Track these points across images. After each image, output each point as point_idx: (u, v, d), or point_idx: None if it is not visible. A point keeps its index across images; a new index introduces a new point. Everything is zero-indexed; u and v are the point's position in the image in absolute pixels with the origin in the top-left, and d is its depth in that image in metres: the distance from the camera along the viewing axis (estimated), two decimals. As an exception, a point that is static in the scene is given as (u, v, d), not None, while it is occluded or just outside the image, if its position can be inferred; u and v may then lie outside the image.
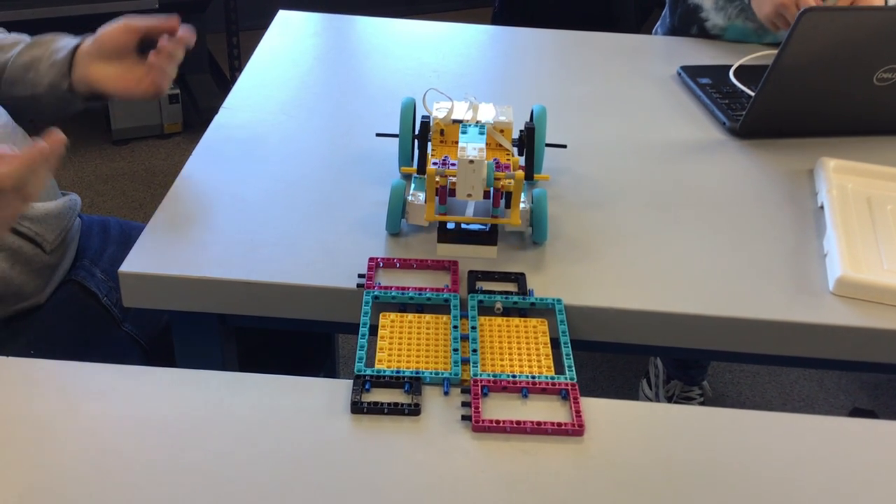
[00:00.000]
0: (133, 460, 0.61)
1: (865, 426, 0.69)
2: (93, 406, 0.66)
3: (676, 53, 1.31)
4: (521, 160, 0.92)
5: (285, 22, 1.35)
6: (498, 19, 2.04)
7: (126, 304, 0.80)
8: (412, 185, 0.87)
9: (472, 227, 0.82)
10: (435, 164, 0.80)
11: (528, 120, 0.92)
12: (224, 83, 2.67)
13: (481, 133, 0.81)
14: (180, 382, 0.68)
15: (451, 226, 0.82)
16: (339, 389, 0.68)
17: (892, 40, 1.01)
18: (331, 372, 1.44)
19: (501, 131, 0.88)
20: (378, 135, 0.97)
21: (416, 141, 0.90)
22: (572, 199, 0.94)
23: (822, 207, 0.93)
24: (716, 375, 1.83)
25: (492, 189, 0.79)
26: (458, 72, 1.23)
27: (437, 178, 0.79)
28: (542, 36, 1.37)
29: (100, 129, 2.51)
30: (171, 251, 0.82)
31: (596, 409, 0.67)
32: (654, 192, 0.97)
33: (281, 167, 0.97)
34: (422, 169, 0.86)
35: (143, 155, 2.45)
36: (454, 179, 0.78)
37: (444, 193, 0.80)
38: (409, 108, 0.91)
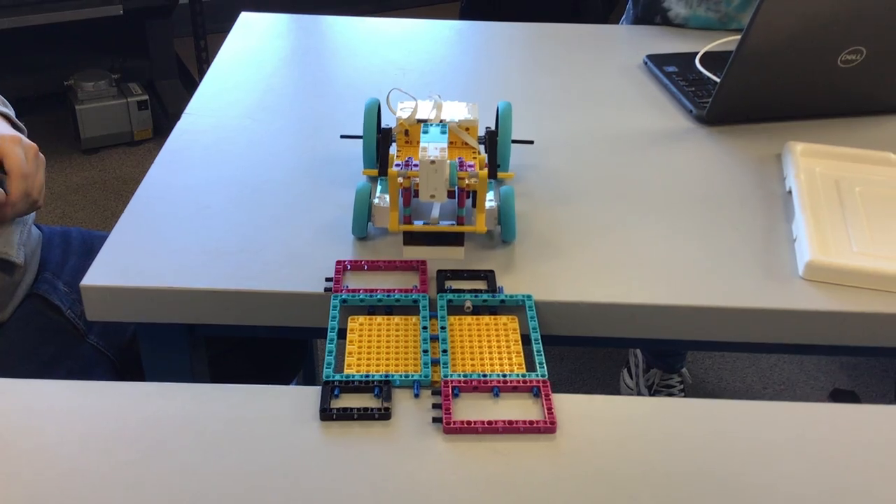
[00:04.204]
0: (98, 479, 0.60)
1: (845, 411, 0.69)
2: (56, 425, 0.64)
3: (643, 42, 1.31)
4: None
5: (248, 24, 1.33)
6: (465, 14, 2.03)
7: (90, 318, 0.79)
8: (378, 188, 0.86)
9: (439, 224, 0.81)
10: (398, 165, 0.78)
11: (494, 117, 0.91)
12: (193, 88, 2.65)
13: (443, 132, 0.80)
14: (145, 396, 0.67)
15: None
16: (308, 396, 0.67)
17: (855, 22, 1.01)
18: (309, 377, 1.43)
19: (467, 129, 0.87)
20: (342, 136, 0.97)
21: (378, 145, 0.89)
22: (541, 194, 0.93)
23: (790, 192, 0.93)
24: (695, 362, 1.84)
25: (456, 189, 0.78)
26: (424, 69, 1.22)
27: (400, 180, 0.78)
28: (509, 30, 1.37)
29: (69, 138, 2.48)
30: (134, 262, 0.80)
31: (569, 404, 0.67)
32: (622, 183, 0.96)
33: (245, 172, 0.95)
34: (384, 171, 0.85)
35: (114, 163, 2.42)
36: (418, 180, 0.77)
37: (409, 195, 0.78)
38: (372, 110, 0.89)
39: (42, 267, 0.97)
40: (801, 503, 0.60)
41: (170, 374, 0.85)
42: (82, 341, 0.95)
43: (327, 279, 0.78)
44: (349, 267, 0.79)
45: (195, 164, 0.96)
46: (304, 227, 0.86)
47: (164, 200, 0.90)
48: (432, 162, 0.74)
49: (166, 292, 0.78)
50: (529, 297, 0.76)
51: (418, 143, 0.86)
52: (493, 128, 0.89)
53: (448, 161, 0.75)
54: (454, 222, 0.80)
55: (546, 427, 0.64)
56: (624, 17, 1.48)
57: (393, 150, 0.88)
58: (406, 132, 0.88)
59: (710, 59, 1.20)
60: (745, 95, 1.07)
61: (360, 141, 0.92)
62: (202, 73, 2.61)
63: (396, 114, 0.88)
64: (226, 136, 1.02)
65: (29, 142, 0.89)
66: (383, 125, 0.90)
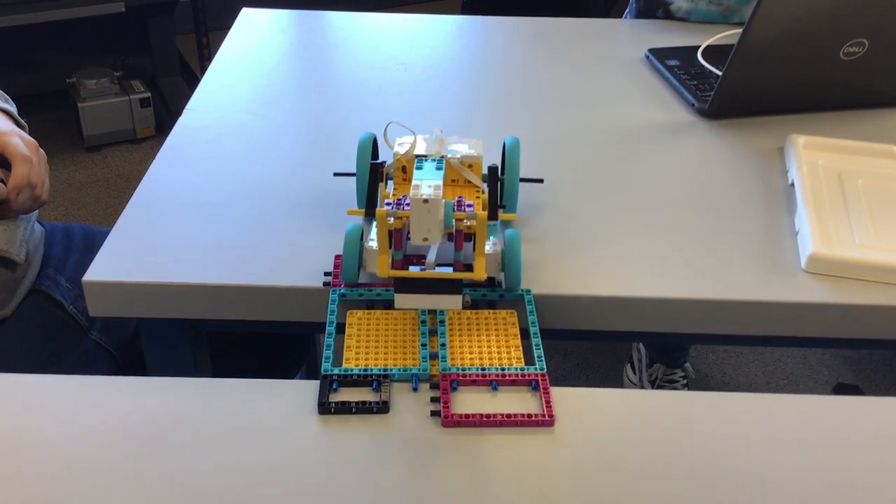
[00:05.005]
0: (99, 473, 0.60)
1: (848, 403, 0.69)
2: (56, 420, 0.64)
3: (644, 36, 1.30)
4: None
5: (249, 20, 1.33)
6: (467, 9, 2.03)
7: (92, 314, 0.79)
8: (372, 229, 0.77)
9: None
10: (388, 204, 0.69)
11: (500, 151, 0.85)
12: (195, 84, 2.65)
13: (439, 168, 0.72)
14: (146, 391, 0.67)
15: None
16: (307, 391, 0.67)
17: (857, 14, 1.00)
18: (312, 372, 1.43)
19: (470, 166, 0.80)
20: (336, 174, 0.89)
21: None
22: (541, 188, 0.93)
23: (792, 185, 0.93)
24: (699, 357, 1.83)
25: (454, 230, 0.71)
26: (426, 64, 1.22)
27: (391, 220, 0.69)
28: (511, 24, 1.36)
29: (72, 136, 2.48)
30: (136, 257, 0.81)
31: (567, 398, 0.66)
32: (624, 177, 0.96)
33: (246, 167, 0.95)
34: (372, 210, 0.76)
35: (117, 161, 2.43)
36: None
37: (401, 238, 0.70)
38: (367, 145, 0.82)
39: (44, 263, 0.97)
40: (804, 496, 0.60)
41: (172, 370, 0.85)
42: (85, 337, 0.95)
43: (326, 274, 0.78)
44: (349, 261, 0.79)
45: (196, 159, 0.96)
46: (304, 222, 0.86)
47: (165, 196, 0.90)
48: (425, 201, 0.66)
49: (168, 287, 0.78)
50: (528, 291, 0.76)
51: None
52: (493, 166, 0.80)
53: (443, 200, 0.67)
54: (451, 267, 0.71)
55: (544, 420, 0.64)
56: (627, 10, 1.47)
57: (390, 188, 0.82)
58: (403, 168, 0.81)
59: (712, 53, 1.20)
60: (748, 89, 1.06)
61: (364, 131, 0.90)
62: (204, 69, 2.61)
63: (394, 149, 0.81)
64: (227, 132, 1.02)
65: (29, 137, 0.89)
66: (381, 160, 0.83)
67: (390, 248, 0.70)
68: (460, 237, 0.70)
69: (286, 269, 0.79)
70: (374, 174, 0.79)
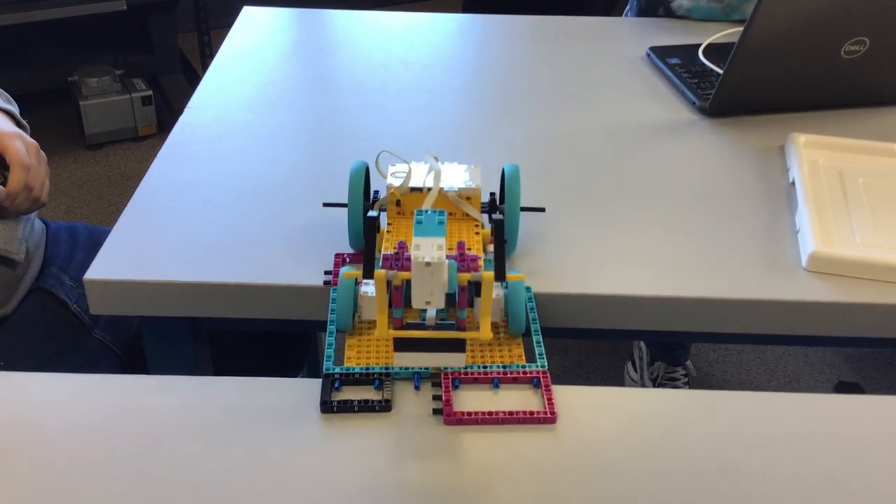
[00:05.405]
0: (101, 471, 0.60)
1: (849, 402, 0.69)
2: (58, 417, 0.64)
3: (645, 34, 1.30)
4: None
5: (250, 18, 1.33)
6: (468, 7, 2.03)
7: (93, 312, 0.79)
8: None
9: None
10: (386, 259, 0.64)
11: (498, 179, 0.80)
12: (197, 83, 2.66)
13: (441, 223, 0.64)
14: (147, 389, 0.67)
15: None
16: (310, 389, 0.67)
17: (858, 13, 1.00)
18: (315, 371, 1.43)
19: (468, 198, 0.76)
20: (325, 205, 0.83)
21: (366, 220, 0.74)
22: (542, 185, 0.93)
23: (793, 183, 0.93)
24: (700, 355, 1.84)
25: (456, 292, 0.65)
26: (427, 62, 1.22)
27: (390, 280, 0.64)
28: (512, 22, 1.36)
29: (73, 134, 2.48)
30: (137, 255, 0.81)
31: (569, 396, 0.67)
32: (625, 175, 0.96)
33: (247, 166, 0.96)
34: (369, 271, 0.70)
35: (118, 159, 2.43)
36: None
37: (400, 296, 0.64)
38: (359, 175, 0.76)
39: (48, 262, 0.97)
40: (804, 494, 0.60)
41: (173, 368, 0.85)
42: (88, 336, 0.95)
43: (326, 272, 0.78)
44: (348, 260, 0.79)
45: (198, 157, 0.97)
46: (305, 221, 0.86)
47: (166, 194, 0.90)
48: (427, 264, 0.60)
49: (169, 286, 0.78)
50: (528, 288, 0.76)
51: (412, 214, 0.76)
52: (499, 218, 0.72)
53: (446, 262, 0.61)
54: (453, 323, 0.65)
55: (546, 418, 0.64)
56: (627, 8, 1.47)
57: (383, 221, 0.77)
58: (398, 202, 0.76)
59: (714, 51, 1.20)
60: (749, 87, 1.06)
61: (367, 127, 0.90)
62: (206, 68, 2.60)
63: (387, 179, 0.77)
64: (228, 130, 1.02)
65: (30, 139, 0.89)
66: (373, 191, 0.79)
67: (390, 308, 0.64)
68: (464, 295, 0.65)
69: (287, 267, 0.79)
70: (371, 229, 0.71)
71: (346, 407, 0.64)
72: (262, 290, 0.78)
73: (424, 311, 0.65)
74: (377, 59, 1.22)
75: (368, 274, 0.69)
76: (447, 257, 0.62)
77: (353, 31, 1.34)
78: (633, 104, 1.12)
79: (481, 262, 0.66)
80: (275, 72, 1.18)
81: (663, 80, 1.17)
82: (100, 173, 2.37)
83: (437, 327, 0.63)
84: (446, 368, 0.69)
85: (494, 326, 0.72)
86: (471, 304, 0.69)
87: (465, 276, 0.64)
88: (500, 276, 0.69)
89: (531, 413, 0.64)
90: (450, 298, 0.64)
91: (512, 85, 1.16)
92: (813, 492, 0.60)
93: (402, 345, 0.64)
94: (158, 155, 0.96)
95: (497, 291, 0.71)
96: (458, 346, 0.64)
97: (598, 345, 1.87)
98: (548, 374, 0.67)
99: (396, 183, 0.76)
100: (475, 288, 0.67)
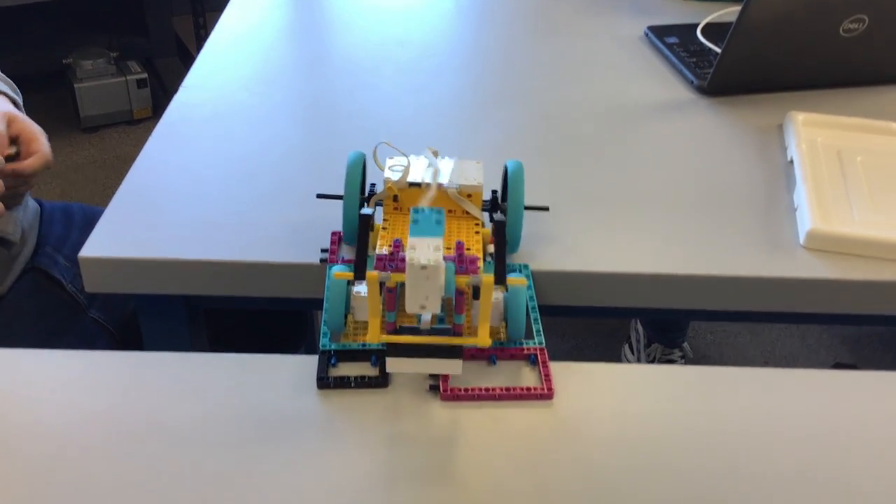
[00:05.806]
0: (97, 448, 0.60)
1: (844, 377, 0.69)
2: (53, 394, 0.64)
3: (644, 13, 1.30)
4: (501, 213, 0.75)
5: (245, -3, 1.32)
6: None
7: (88, 290, 0.79)
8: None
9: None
10: (380, 259, 0.61)
11: (501, 175, 0.77)
12: (192, 65, 2.65)
13: (438, 222, 0.61)
14: (144, 366, 0.67)
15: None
16: (306, 366, 0.67)
17: (857, -10, 1.00)
18: (311, 349, 1.43)
19: (469, 196, 0.73)
20: (319, 196, 0.80)
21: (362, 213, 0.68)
22: (539, 161, 0.93)
23: (791, 162, 0.93)
24: (697, 337, 1.84)
25: (454, 296, 0.62)
26: (423, 42, 1.21)
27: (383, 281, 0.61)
28: (509, 2, 1.35)
29: (68, 117, 2.47)
30: (132, 234, 0.80)
31: (566, 372, 0.66)
32: (622, 154, 0.96)
33: (243, 145, 0.95)
34: (361, 272, 0.66)
35: (113, 142, 2.42)
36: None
37: (393, 299, 0.62)
38: (356, 167, 0.73)
39: (43, 241, 0.97)
40: (801, 470, 0.60)
41: (169, 347, 0.85)
42: (83, 315, 0.95)
43: (322, 250, 0.77)
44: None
45: (192, 137, 0.96)
46: (301, 199, 0.86)
47: (161, 173, 0.89)
48: (423, 267, 0.57)
49: (164, 263, 0.78)
50: (526, 266, 0.76)
51: (409, 210, 0.70)
52: (501, 219, 0.67)
53: (443, 265, 0.58)
54: (449, 327, 0.63)
55: (543, 394, 0.64)
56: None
57: (378, 216, 0.74)
58: (395, 197, 0.73)
59: (712, 30, 1.19)
60: (747, 66, 1.06)
61: (364, 105, 0.89)
62: (201, 50, 2.60)
63: (385, 172, 0.74)
64: (223, 110, 1.02)
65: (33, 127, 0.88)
66: (369, 183, 0.77)
67: (382, 311, 0.62)
68: (461, 300, 0.62)
69: (283, 245, 0.79)
70: (364, 227, 0.67)
71: (343, 383, 0.64)
72: (258, 268, 0.78)
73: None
74: (373, 39, 1.22)
75: (360, 275, 0.66)
76: (445, 258, 0.59)
77: (348, 10, 1.33)
78: (631, 83, 1.11)
79: (481, 264, 0.64)
80: (271, 51, 1.17)
81: (661, 60, 1.17)
82: (95, 156, 2.36)
83: (432, 332, 0.61)
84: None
85: (492, 331, 0.69)
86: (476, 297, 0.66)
87: (464, 279, 0.61)
88: (501, 280, 0.66)
89: (528, 389, 0.64)
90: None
91: (509, 64, 1.15)
92: (809, 465, 0.60)
93: (395, 351, 0.61)
94: (153, 133, 0.96)
95: (496, 295, 0.68)
96: (453, 352, 0.62)
97: (594, 327, 1.87)
98: (545, 351, 0.67)
99: (394, 177, 0.73)
100: (476, 292, 0.64)
